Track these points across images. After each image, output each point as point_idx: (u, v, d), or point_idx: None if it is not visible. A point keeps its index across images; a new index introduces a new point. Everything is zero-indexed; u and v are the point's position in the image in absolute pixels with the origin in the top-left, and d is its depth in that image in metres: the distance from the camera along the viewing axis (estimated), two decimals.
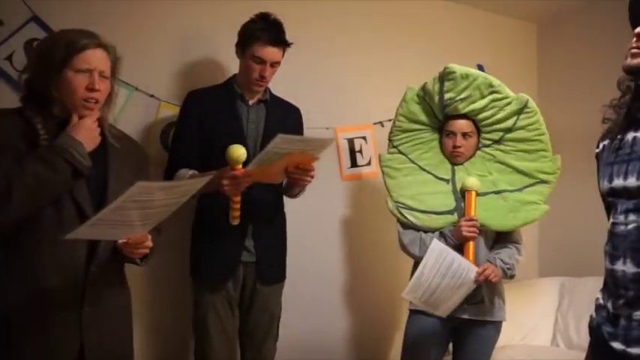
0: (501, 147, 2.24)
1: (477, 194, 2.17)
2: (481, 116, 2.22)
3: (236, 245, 2.13)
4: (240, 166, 1.86)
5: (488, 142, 2.26)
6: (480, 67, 3.03)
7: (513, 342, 2.89)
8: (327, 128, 2.81)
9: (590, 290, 2.78)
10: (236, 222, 1.95)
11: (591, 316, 1.33)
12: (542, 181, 2.19)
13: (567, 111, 3.22)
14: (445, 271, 2.04)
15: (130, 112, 2.35)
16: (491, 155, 2.25)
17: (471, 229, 2.11)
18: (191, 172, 2.08)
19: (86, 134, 1.52)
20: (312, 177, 2.02)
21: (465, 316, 2.16)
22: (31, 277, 1.47)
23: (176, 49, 2.54)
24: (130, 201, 1.31)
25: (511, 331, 2.72)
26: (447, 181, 2.25)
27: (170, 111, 2.46)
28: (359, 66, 2.98)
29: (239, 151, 1.85)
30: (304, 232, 2.67)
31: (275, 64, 2.18)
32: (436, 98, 2.23)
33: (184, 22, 2.55)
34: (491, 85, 2.19)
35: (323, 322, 2.84)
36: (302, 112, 2.39)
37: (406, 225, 2.25)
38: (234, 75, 2.28)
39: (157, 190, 1.37)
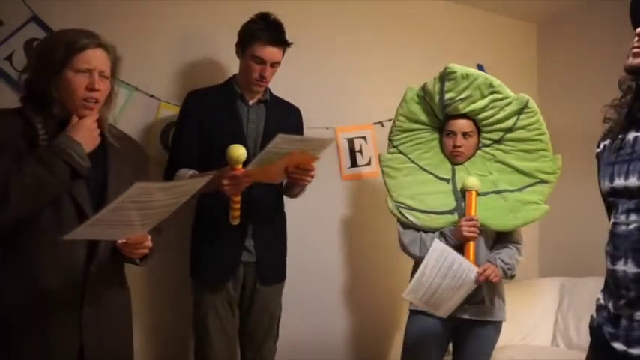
0: (501, 147, 2.24)
1: (478, 194, 2.17)
2: (481, 116, 2.22)
3: (236, 245, 2.13)
4: (240, 166, 1.86)
5: (488, 142, 2.26)
6: (480, 67, 3.03)
7: (513, 342, 2.89)
8: (327, 128, 2.81)
9: (590, 290, 2.78)
10: (236, 222, 1.95)
11: (592, 317, 1.33)
12: (543, 181, 2.19)
13: (567, 111, 3.22)
14: (446, 272, 2.04)
15: (130, 112, 2.35)
16: (492, 155, 2.25)
17: (472, 229, 2.11)
18: (191, 172, 2.07)
19: (85, 135, 1.51)
20: (312, 177, 2.02)
21: (466, 316, 2.16)
22: (31, 278, 1.47)
23: (176, 49, 2.54)
24: (129, 201, 1.31)
25: (511, 331, 2.72)
26: (447, 181, 2.25)
27: (170, 111, 2.46)
28: (359, 66, 2.98)
29: (239, 151, 1.85)
30: (304, 232, 2.67)
31: (275, 64, 2.18)
32: (436, 98, 2.23)
33: (184, 22, 2.55)
34: (491, 85, 2.19)
35: (323, 322, 2.84)
36: (302, 112, 2.39)
37: (406, 225, 2.25)
38: (234, 75, 2.28)
39: (156, 191, 1.37)
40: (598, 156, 1.38)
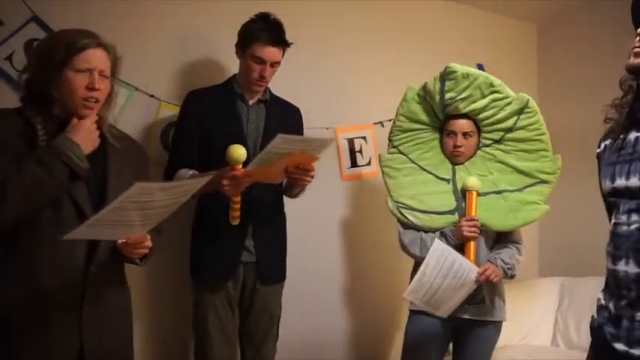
0: (502, 147, 2.24)
1: (478, 194, 2.17)
2: (482, 116, 2.22)
3: (236, 245, 2.13)
4: (240, 166, 1.85)
5: (488, 142, 2.26)
6: (480, 67, 3.03)
7: (513, 342, 2.89)
8: (327, 128, 2.81)
9: (590, 290, 2.78)
10: (236, 222, 1.95)
11: (593, 317, 1.33)
12: (543, 181, 2.19)
13: (567, 111, 3.22)
14: (447, 272, 2.04)
15: (130, 112, 2.35)
16: (492, 155, 2.25)
17: (472, 229, 2.11)
18: (191, 172, 2.07)
19: (85, 136, 1.51)
20: (312, 177, 2.02)
21: (466, 317, 2.16)
22: (30, 278, 1.47)
23: (176, 49, 2.54)
24: (128, 201, 1.31)
25: (511, 331, 2.72)
26: (447, 181, 2.25)
27: (170, 111, 2.46)
28: (359, 66, 2.98)
29: (239, 151, 1.85)
30: (304, 232, 2.67)
31: (275, 64, 2.18)
32: (437, 98, 2.23)
33: (184, 21, 2.55)
34: (492, 85, 2.19)
35: (323, 322, 2.84)
36: (302, 112, 2.39)
37: (407, 225, 2.25)
38: (234, 75, 2.28)
39: (156, 191, 1.37)
40: (599, 156, 1.38)
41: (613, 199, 1.27)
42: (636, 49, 1.22)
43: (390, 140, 2.37)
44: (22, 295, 1.46)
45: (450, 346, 2.33)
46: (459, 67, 2.20)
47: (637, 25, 1.26)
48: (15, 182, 1.39)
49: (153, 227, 1.51)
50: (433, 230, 2.21)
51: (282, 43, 2.17)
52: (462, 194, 2.20)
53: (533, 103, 2.19)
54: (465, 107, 2.21)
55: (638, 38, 1.23)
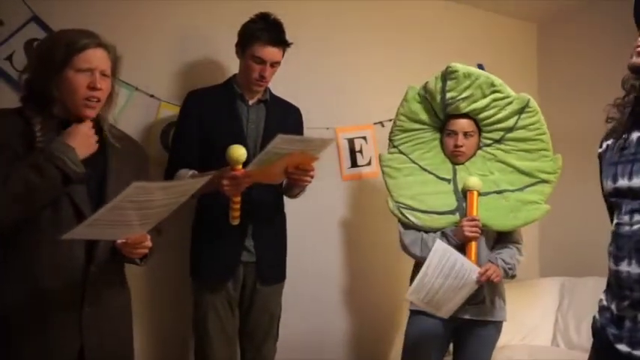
0: (502, 146, 2.24)
1: (479, 194, 2.16)
2: (482, 115, 2.22)
3: (236, 245, 2.13)
4: (240, 166, 1.85)
5: (489, 142, 2.26)
6: (480, 67, 3.03)
7: (514, 342, 2.89)
8: (327, 128, 2.80)
9: (590, 290, 2.79)
10: (236, 222, 1.95)
11: (594, 318, 1.32)
12: (543, 181, 2.19)
13: (567, 111, 3.22)
14: (448, 272, 2.03)
15: (130, 112, 2.35)
16: (492, 155, 2.25)
17: (473, 229, 2.11)
18: (191, 172, 2.07)
19: (81, 141, 1.50)
20: (312, 177, 2.01)
21: (466, 317, 2.15)
22: (30, 278, 1.46)
23: (176, 49, 2.54)
24: (127, 201, 1.31)
25: (511, 331, 2.72)
26: (448, 181, 2.25)
27: (170, 111, 2.46)
28: (359, 66, 2.98)
29: (239, 152, 1.85)
30: (304, 232, 2.67)
31: (275, 64, 2.18)
32: (438, 97, 2.23)
33: (184, 21, 2.55)
34: (492, 85, 2.19)
35: (323, 322, 2.84)
36: (302, 112, 2.39)
37: (407, 225, 2.25)
38: (234, 75, 2.28)
39: (154, 190, 1.36)
40: (600, 156, 1.37)
41: (615, 200, 1.27)
42: (639, 49, 1.21)
43: (390, 140, 2.37)
44: (22, 295, 1.46)
45: (451, 346, 2.33)
46: (461, 67, 2.20)
47: (639, 24, 1.26)
48: (7, 186, 1.39)
49: (153, 227, 1.51)
50: (434, 230, 2.21)
51: (282, 43, 2.17)
52: (463, 194, 2.20)
53: (533, 103, 2.19)
54: (465, 107, 2.21)
55: None
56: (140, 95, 2.43)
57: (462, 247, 2.12)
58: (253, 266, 2.16)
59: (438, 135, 2.32)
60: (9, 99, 2.02)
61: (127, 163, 1.63)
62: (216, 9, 2.60)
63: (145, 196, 1.34)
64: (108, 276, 1.58)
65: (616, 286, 1.23)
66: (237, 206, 1.92)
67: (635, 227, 1.19)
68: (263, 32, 2.12)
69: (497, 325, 2.21)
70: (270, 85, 2.28)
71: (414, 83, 2.34)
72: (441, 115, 2.28)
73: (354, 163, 2.95)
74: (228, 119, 2.17)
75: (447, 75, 2.21)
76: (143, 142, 2.32)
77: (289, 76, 2.48)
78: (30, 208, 1.44)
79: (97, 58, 1.53)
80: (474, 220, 2.12)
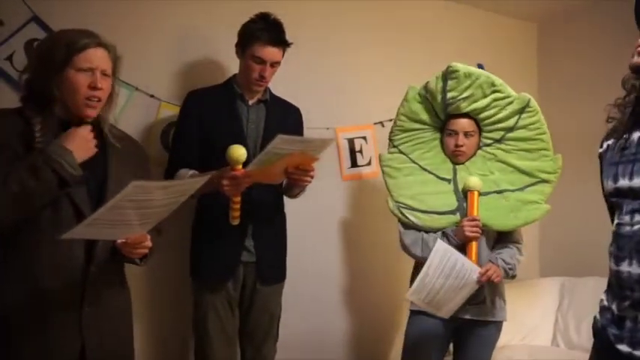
0: (502, 146, 2.24)
1: (480, 194, 2.16)
2: (483, 115, 2.22)
3: (236, 245, 2.13)
4: (240, 166, 1.85)
5: (489, 142, 2.26)
6: (480, 67, 3.02)
7: (514, 342, 2.89)
8: (327, 128, 2.80)
9: (590, 290, 2.79)
10: (236, 222, 1.95)
11: (595, 318, 1.32)
12: (543, 181, 2.19)
13: (568, 111, 3.22)
14: (449, 272, 2.03)
15: (130, 112, 2.35)
16: (493, 154, 2.25)
17: (474, 229, 2.11)
18: (191, 172, 2.07)
19: (79, 144, 1.50)
20: (312, 177, 2.01)
21: (467, 317, 2.15)
22: (30, 278, 1.46)
23: (176, 49, 2.54)
24: (126, 200, 1.30)
25: (511, 331, 2.72)
26: (448, 181, 2.25)
27: (170, 111, 2.46)
28: (359, 66, 2.98)
29: (239, 152, 1.85)
30: (304, 232, 2.67)
31: (275, 64, 2.18)
32: (439, 97, 2.23)
33: (183, 21, 2.55)
34: (493, 84, 2.19)
35: (323, 322, 2.84)
36: (302, 112, 2.39)
37: (407, 225, 2.25)
38: (234, 75, 2.28)
39: (153, 190, 1.36)
40: (601, 156, 1.37)
41: (615, 200, 1.27)
42: (639, 49, 1.21)
43: (390, 140, 2.37)
44: (22, 295, 1.46)
45: (451, 346, 2.33)
46: (461, 67, 2.20)
47: None
48: (6, 186, 1.39)
49: (152, 227, 1.51)
50: (434, 230, 2.21)
51: (282, 43, 2.17)
52: (463, 194, 2.20)
53: (534, 103, 2.19)
54: (466, 106, 2.21)
55: None
56: (140, 95, 2.43)
57: (462, 247, 2.12)
58: (253, 266, 2.16)
59: (438, 135, 2.32)
60: (9, 99, 2.02)
61: (127, 163, 1.63)
62: (215, 9, 2.60)
63: (145, 196, 1.34)
64: (108, 276, 1.58)
65: (617, 286, 1.23)
66: (237, 206, 1.92)
67: (636, 227, 1.19)
68: (263, 32, 2.12)
69: (498, 325, 2.21)
70: (270, 85, 2.28)
71: (413, 83, 2.34)
72: (442, 115, 2.28)
73: (354, 163, 2.95)
74: (228, 119, 2.17)
75: (447, 75, 2.21)
76: (143, 142, 2.32)
77: (289, 76, 2.48)
78: (27, 209, 1.44)
79: (97, 57, 1.53)
80: (474, 220, 2.12)
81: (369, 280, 2.96)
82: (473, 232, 2.10)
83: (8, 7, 2.20)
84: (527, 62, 3.59)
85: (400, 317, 2.74)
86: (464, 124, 2.22)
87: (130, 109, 2.37)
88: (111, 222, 1.36)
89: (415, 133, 2.32)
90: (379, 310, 2.96)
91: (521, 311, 2.90)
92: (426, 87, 2.28)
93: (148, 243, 1.53)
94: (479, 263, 2.11)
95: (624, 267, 1.20)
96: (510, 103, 2.19)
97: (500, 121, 2.22)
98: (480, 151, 2.27)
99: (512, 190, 2.20)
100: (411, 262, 2.31)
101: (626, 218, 1.22)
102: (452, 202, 2.21)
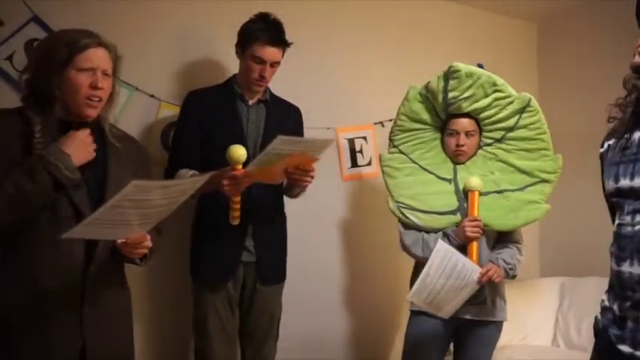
0: (503, 146, 2.24)
1: (480, 194, 2.16)
2: (484, 115, 2.22)
3: (236, 245, 2.13)
4: (241, 166, 1.85)
5: (489, 141, 2.26)
6: (480, 67, 3.02)
7: (514, 342, 2.89)
8: (328, 128, 2.80)
9: (590, 290, 2.79)
10: (236, 222, 1.95)
11: (596, 318, 1.31)
12: (544, 181, 2.19)
13: (568, 110, 3.22)
14: (450, 272, 2.03)
15: (130, 112, 2.35)
16: (493, 154, 2.25)
17: (475, 229, 2.11)
18: (191, 172, 2.07)
19: (78, 147, 1.50)
20: (312, 178, 2.02)
21: (467, 317, 2.15)
22: (30, 278, 1.46)
23: (176, 49, 2.54)
24: (126, 200, 1.30)
25: (512, 331, 2.72)
26: (449, 181, 2.25)
27: (170, 111, 2.46)
28: (359, 66, 2.98)
29: (239, 152, 1.85)
30: (304, 232, 2.67)
31: (275, 64, 2.18)
32: (440, 97, 2.23)
33: (183, 21, 2.55)
34: (494, 84, 2.19)
35: (323, 322, 2.83)
36: (302, 112, 2.39)
37: (408, 225, 2.25)
38: (234, 75, 2.28)
39: (153, 189, 1.36)
40: (602, 155, 1.36)
41: (616, 200, 1.26)
42: None
43: (390, 140, 2.37)
44: (22, 295, 1.46)
45: (451, 346, 2.32)
46: (463, 66, 2.20)
47: None
48: (3, 187, 1.39)
49: (153, 227, 1.51)
50: (435, 230, 2.21)
51: (282, 43, 2.17)
52: (464, 194, 2.19)
53: (534, 102, 2.19)
54: (467, 106, 2.21)
55: None
56: (140, 95, 2.43)
57: (463, 248, 2.12)
58: (253, 266, 2.16)
59: (438, 135, 2.32)
60: (9, 99, 2.02)
61: (127, 163, 1.63)
62: (215, 9, 2.60)
63: (144, 195, 1.34)
64: (108, 276, 1.58)
65: (618, 286, 1.23)
66: (237, 206, 1.92)
67: (637, 228, 1.19)
68: (263, 32, 2.12)
69: (498, 325, 2.21)
70: (270, 85, 2.27)
71: (413, 83, 2.34)
72: (443, 115, 2.28)
73: (354, 163, 2.95)
74: (228, 119, 2.17)
75: (449, 74, 2.21)
76: (143, 142, 2.31)
77: (289, 76, 2.48)
78: (23, 210, 1.44)
79: (98, 57, 1.53)
80: (475, 220, 2.12)
81: (369, 280, 2.96)
82: (474, 232, 2.10)
83: (8, 7, 2.20)
84: (528, 62, 3.59)
85: (400, 317, 2.74)
86: (465, 123, 2.22)
87: (130, 109, 2.37)
88: (111, 222, 1.36)
89: (415, 133, 2.32)
90: (379, 310, 2.96)
91: (522, 311, 2.90)
92: (427, 87, 2.28)
93: (148, 243, 1.53)
94: (479, 263, 2.11)
95: (625, 267, 1.20)
96: (511, 102, 2.19)
97: (500, 120, 2.21)
98: (480, 151, 2.27)
99: (513, 190, 2.20)
100: (410, 262, 2.31)
101: (627, 218, 1.21)
102: (452, 202, 2.21)
